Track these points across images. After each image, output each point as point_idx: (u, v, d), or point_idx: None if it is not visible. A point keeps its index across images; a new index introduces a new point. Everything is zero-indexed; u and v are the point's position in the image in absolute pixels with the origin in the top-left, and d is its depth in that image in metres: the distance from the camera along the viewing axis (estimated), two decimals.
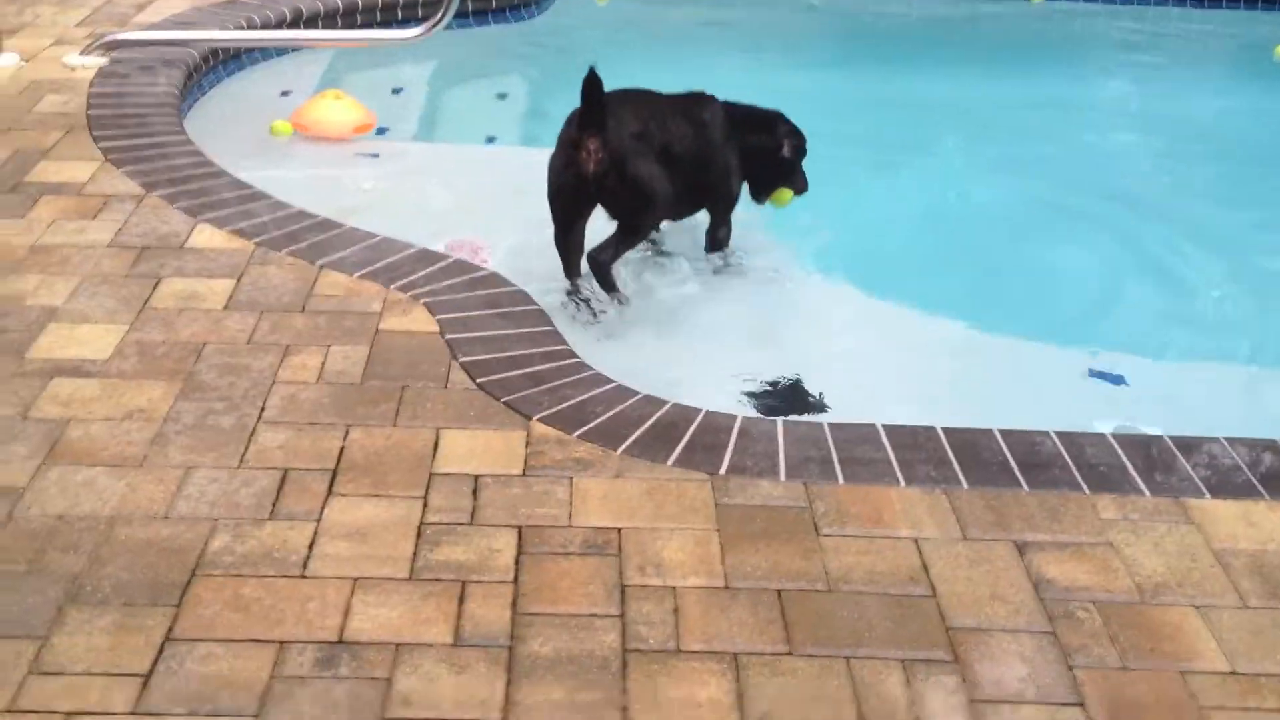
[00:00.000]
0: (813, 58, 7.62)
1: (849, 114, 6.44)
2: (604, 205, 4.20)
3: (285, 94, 6.20)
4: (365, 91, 6.08)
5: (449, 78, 6.84)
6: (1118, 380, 4.07)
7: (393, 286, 3.89)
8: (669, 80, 4.54)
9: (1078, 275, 4.86)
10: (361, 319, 3.69)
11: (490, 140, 5.83)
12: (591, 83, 3.97)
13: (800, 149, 4.57)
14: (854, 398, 3.81)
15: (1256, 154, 6.33)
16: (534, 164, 5.53)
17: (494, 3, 7.36)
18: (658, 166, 4.14)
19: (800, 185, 4.63)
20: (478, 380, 3.41)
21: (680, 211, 4.51)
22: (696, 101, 4.44)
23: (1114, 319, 4.53)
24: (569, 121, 4.13)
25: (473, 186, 5.27)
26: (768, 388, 3.89)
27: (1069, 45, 8.13)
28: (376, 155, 5.53)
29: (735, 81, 6.85)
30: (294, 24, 6.53)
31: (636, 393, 3.41)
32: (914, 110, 6.57)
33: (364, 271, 3.96)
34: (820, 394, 3.87)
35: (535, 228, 4.78)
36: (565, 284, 4.30)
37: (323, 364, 3.44)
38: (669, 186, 4.19)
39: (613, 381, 3.46)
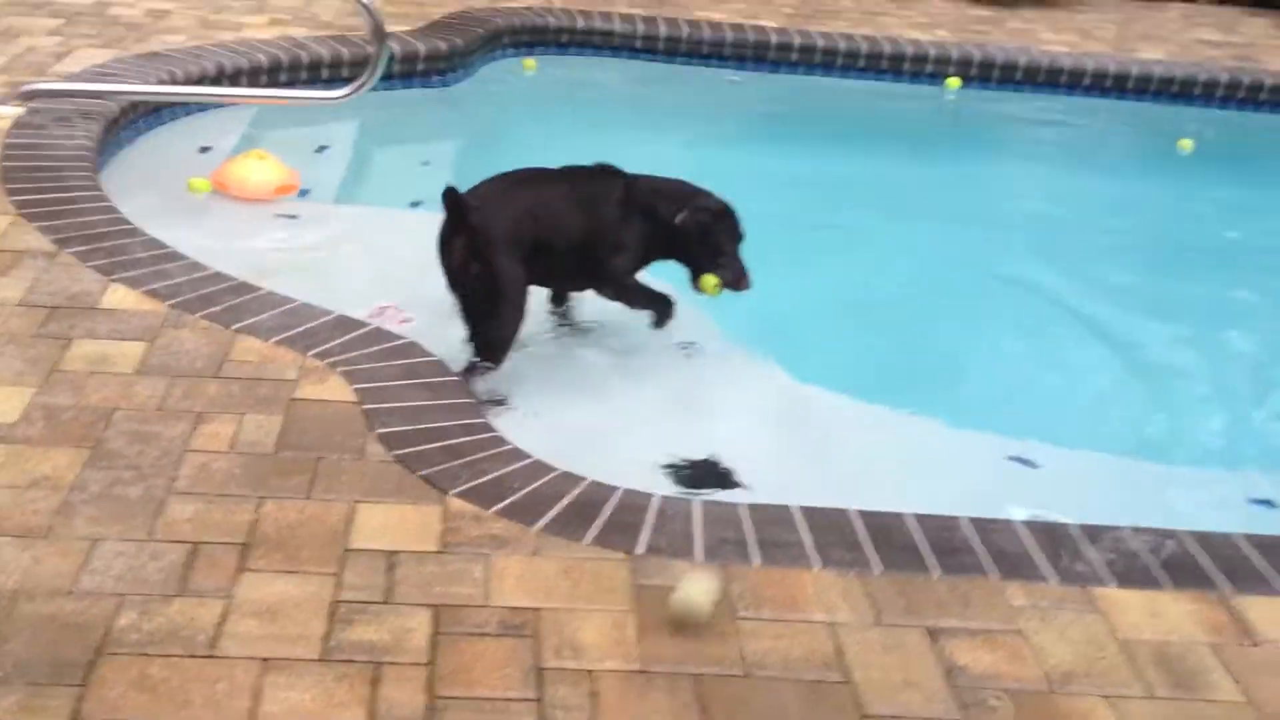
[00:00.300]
0: (733, 133, 7.75)
1: (768, 190, 6.52)
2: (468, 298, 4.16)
3: (205, 150, 6.14)
4: (288, 150, 6.04)
5: (373, 140, 6.82)
6: (1029, 464, 4.15)
7: (309, 354, 3.85)
8: (589, 149, 4.57)
9: (993, 358, 4.95)
10: (276, 387, 3.64)
11: (415, 205, 5.80)
12: (451, 200, 4.04)
13: (702, 224, 4.30)
14: (770, 476, 3.84)
15: (1165, 242, 6.54)
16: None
17: (420, 66, 7.37)
18: (521, 268, 4.11)
19: (729, 274, 4.33)
20: (394, 452, 3.38)
21: (572, 286, 4.53)
22: (592, 176, 4.40)
23: (1028, 403, 4.60)
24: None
25: (394, 252, 5.23)
26: (685, 464, 3.90)
27: (983, 129, 8.36)
28: (296, 217, 5.49)
29: (654, 154, 6.96)
30: (216, 80, 6.48)
31: (554, 469, 3.40)
32: (833, 189, 6.69)
33: (280, 337, 3.92)
34: (737, 472, 3.89)
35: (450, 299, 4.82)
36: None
37: (236, 433, 3.39)
38: (522, 289, 4.17)
39: (530, 456, 3.45)
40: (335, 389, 3.67)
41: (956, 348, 5.01)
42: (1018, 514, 3.75)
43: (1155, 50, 9.58)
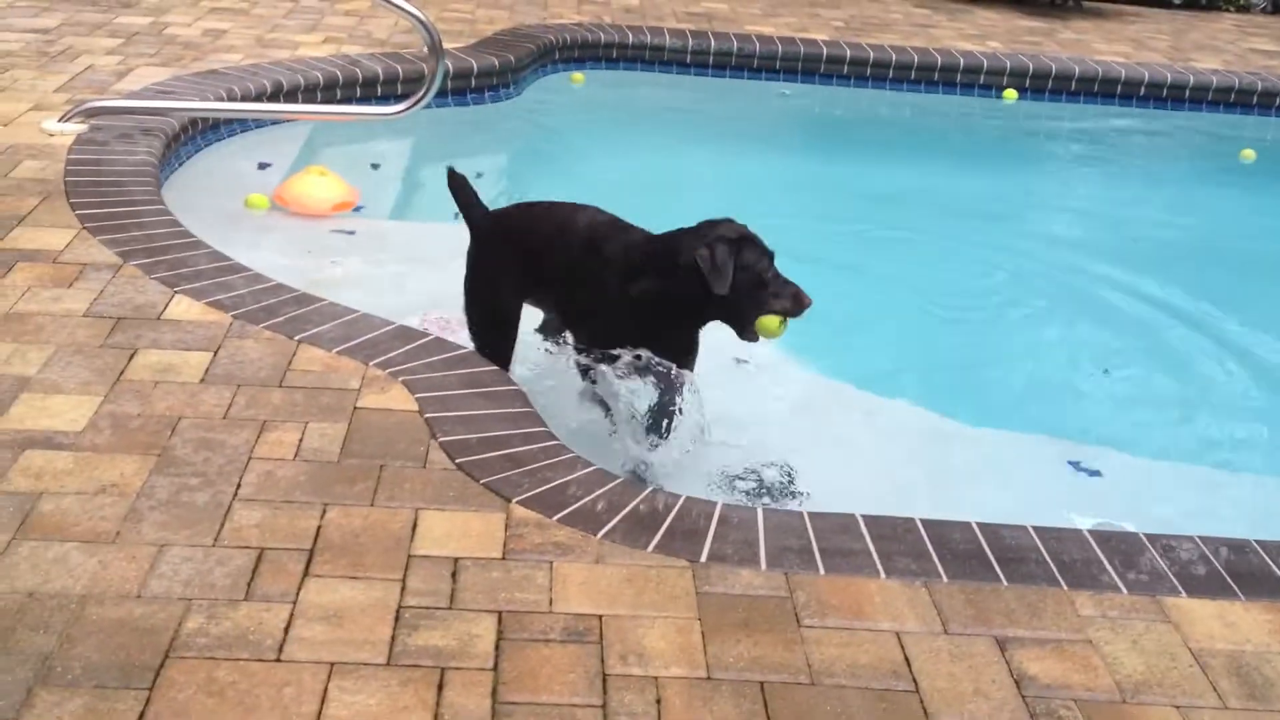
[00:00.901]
0: (786, 144, 7.75)
1: (823, 202, 6.54)
2: None
3: (264, 166, 6.22)
4: (343, 166, 6.11)
5: (427, 155, 6.88)
6: (1094, 474, 4.10)
7: (371, 363, 3.87)
8: (640, 163, 4.59)
9: (1053, 366, 4.91)
10: (339, 396, 3.66)
11: (457, 216, 5.84)
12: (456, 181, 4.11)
13: (712, 258, 3.54)
14: (833, 486, 3.81)
15: (1227, 252, 6.45)
16: None
17: (473, 82, 7.43)
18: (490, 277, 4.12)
19: (784, 301, 3.58)
20: (457, 460, 3.38)
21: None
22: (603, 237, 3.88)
23: (1090, 412, 4.56)
24: None
25: (449, 266, 5.26)
26: (747, 475, 3.89)
27: (1040, 140, 8.31)
28: (353, 233, 5.54)
29: (706, 168, 7.01)
30: (274, 96, 6.56)
31: (616, 477, 3.40)
32: (888, 199, 6.68)
33: (342, 348, 3.94)
34: (799, 481, 3.87)
35: None
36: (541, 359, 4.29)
37: (300, 441, 3.41)
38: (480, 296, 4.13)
39: (592, 465, 3.44)
40: (397, 398, 3.69)
41: (1014, 355, 4.99)
42: (1082, 522, 3.73)
43: (1211, 60, 9.49)
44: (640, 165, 6.99)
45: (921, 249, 5.87)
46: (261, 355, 3.85)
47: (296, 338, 3.98)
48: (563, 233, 3.93)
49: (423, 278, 5.11)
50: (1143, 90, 8.70)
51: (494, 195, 6.47)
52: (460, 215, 4.26)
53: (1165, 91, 8.72)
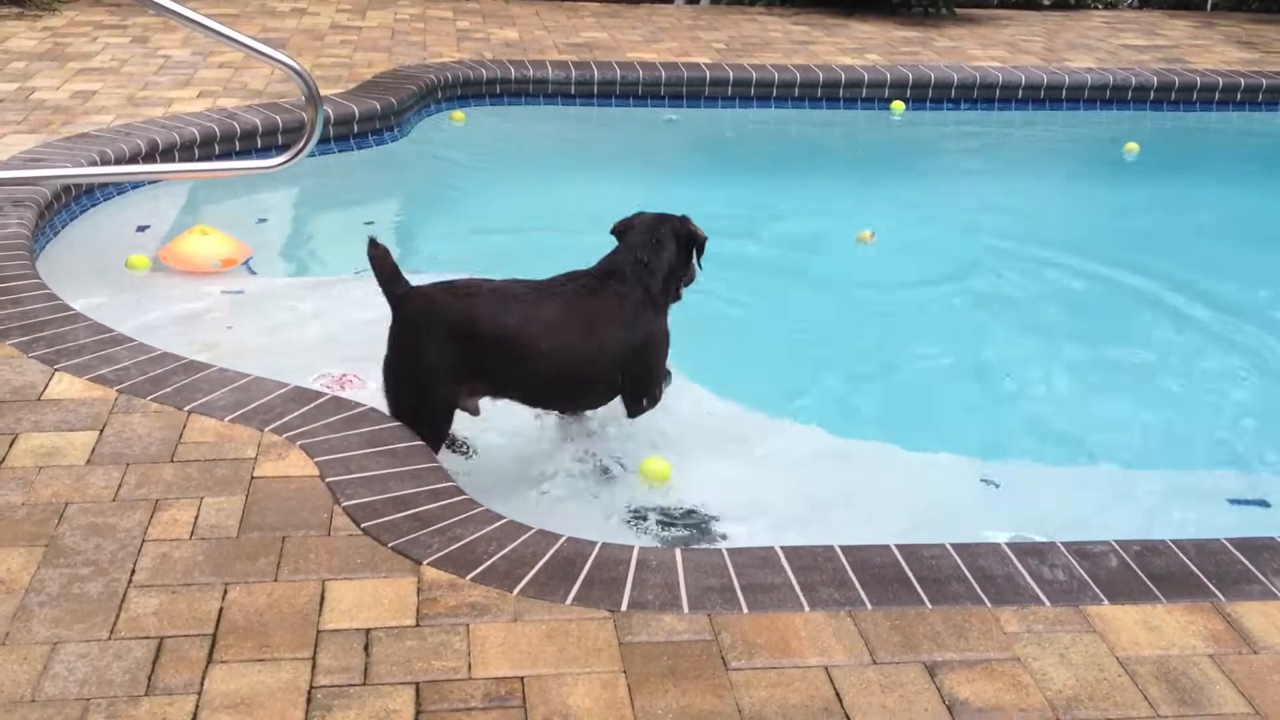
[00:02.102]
0: (673, 169, 7.74)
1: (717, 225, 6.49)
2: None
3: (142, 229, 6.04)
4: (228, 223, 5.96)
5: (313, 206, 6.74)
6: (998, 486, 4.11)
7: (267, 429, 3.74)
8: (531, 199, 4.52)
9: (949, 379, 4.90)
10: (235, 466, 3.53)
11: (358, 272, 5.70)
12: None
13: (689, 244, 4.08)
14: (749, 519, 3.77)
15: (1121, 247, 6.54)
16: None
17: (355, 127, 7.30)
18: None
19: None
20: (362, 525, 3.27)
21: None
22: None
23: (993, 423, 4.56)
24: None
25: (342, 319, 5.15)
26: (662, 515, 3.82)
27: (928, 150, 8.39)
28: (242, 292, 5.38)
29: (597, 199, 6.94)
30: (149, 156, 6.37)
31: (528, 528, 3.31)
32: (779, 218, 6.68)
33: (235, 415, 3.80)
34: (713, 515, 3.81)
35: None
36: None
37: (195, 518, 3.27)
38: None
39: (503, 517, 3.36)
40: (296, 464, 3.56)
41: (916, 371, 4.96)
42: (997, 536, 3.72)
43: (1085, 59, 9.69)
44: (531, 200, 6.93)
45: (816, 267, 5.85)
46: (150, 430, 3.70)
47: (186, 408, 3.83)
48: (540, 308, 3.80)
49: (317, 334, 4.99)
50: (1020, 93, 8.84)
51: (386, 240, 6.37)
52: (382, 289, 3.82)
53: (1043, 93, 8.87)
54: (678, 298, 4.14)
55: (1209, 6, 12.53)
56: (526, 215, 6.63)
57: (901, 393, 4.79)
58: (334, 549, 3.16)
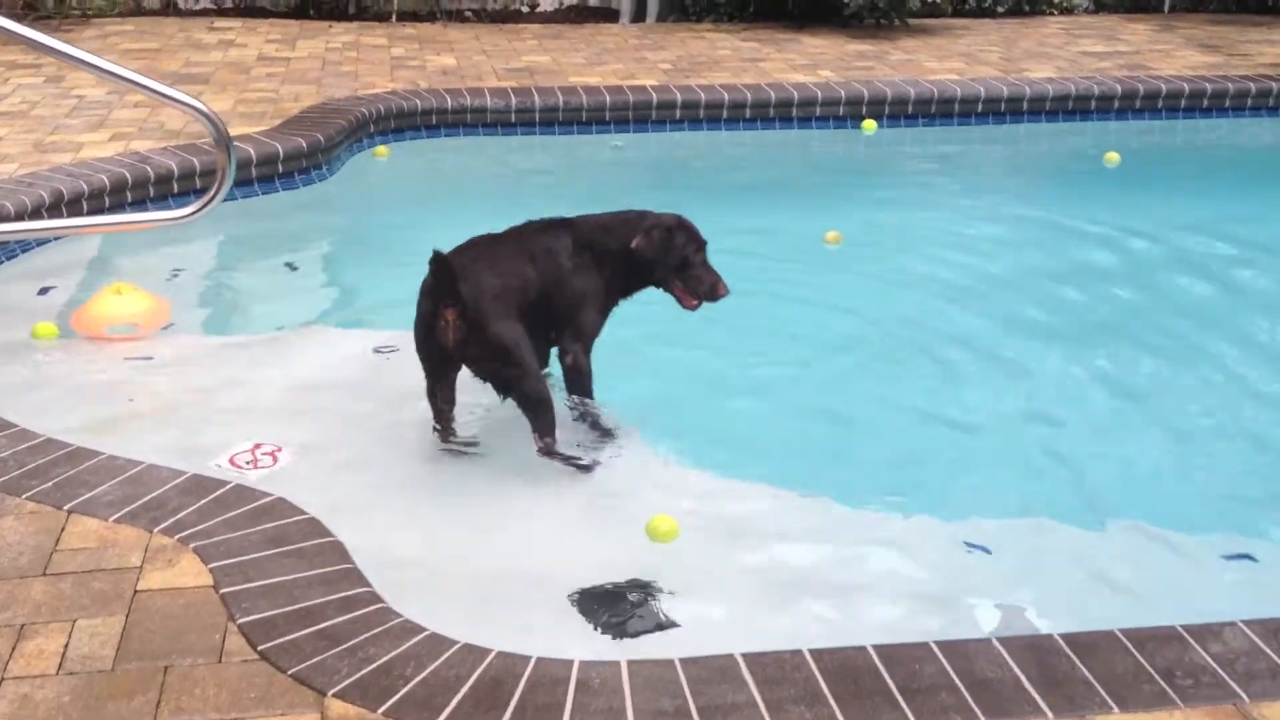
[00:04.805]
0: (621, 200, 7.22)
1: None
2: (475, 373, 3.95)
3: (45, 291, 5.57)
4: (145, 278, 5.51)
5: (234, 255, 6.24)
6: (984, 550, 3.72)
7: (156, 530, 3.30)
8: (472, 232, 4.12)
9: (923, 431, 4.44)
10: (116, 579, 3.09)
11: (279, 328, 5.26)
12: (440, 264, 3.67)
13: (660, 244, 4.05)
14: (703, 599, 3.37)
15: (1089, 268, 6.17)
16: (330, 349, 5.08)
17: (280, 167, 6.85)
18: (519, 325, 3.85)
19: (701, 285, 4.08)
20: (259, 647, 2.84)
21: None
22: (544, 230, 4.11)
23: (973, 481, 4.14)
24: (422, 292, 3.83)
25: (263, 383, 4.71)
26: (605, 604, 3.38)
27: (893, 171, 8.00)
28: (150, 358, 4.91)
29: None
30: (54, 208, 5.91)
31: (453, 641, 2.89)
32: (733, 250, 6.22)
33: (122, 513, 3.37)
34: (666, 602, 3.38)
35: (333, 428, 4.31)
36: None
37: (65, 647, 2.83)
38: (530, 342, 3.90)
39: (424, 629, 2.93)
40: (188, 571, 3.13)
41: (885, 418, 4.51)
42: (989, 615, 3.34)
43: (1044, 68, 9.36)
44: (471, 233, 6.47)
45: (770, 304, 5.42)
46: (22, 536, 3.26)
47: (66, 507, 3.39)
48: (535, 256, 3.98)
49: (233, 402, 4.53)
50: (980, 107, 8.50)
51: (313, 292, 5.93)
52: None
53: (1004, 105, 8.53)
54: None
55: (1166, 8, 12.27)
56: None
57: (870, 444, 4.37)
58: (224, 681, 2.73)
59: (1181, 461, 4.35)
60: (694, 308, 4.12)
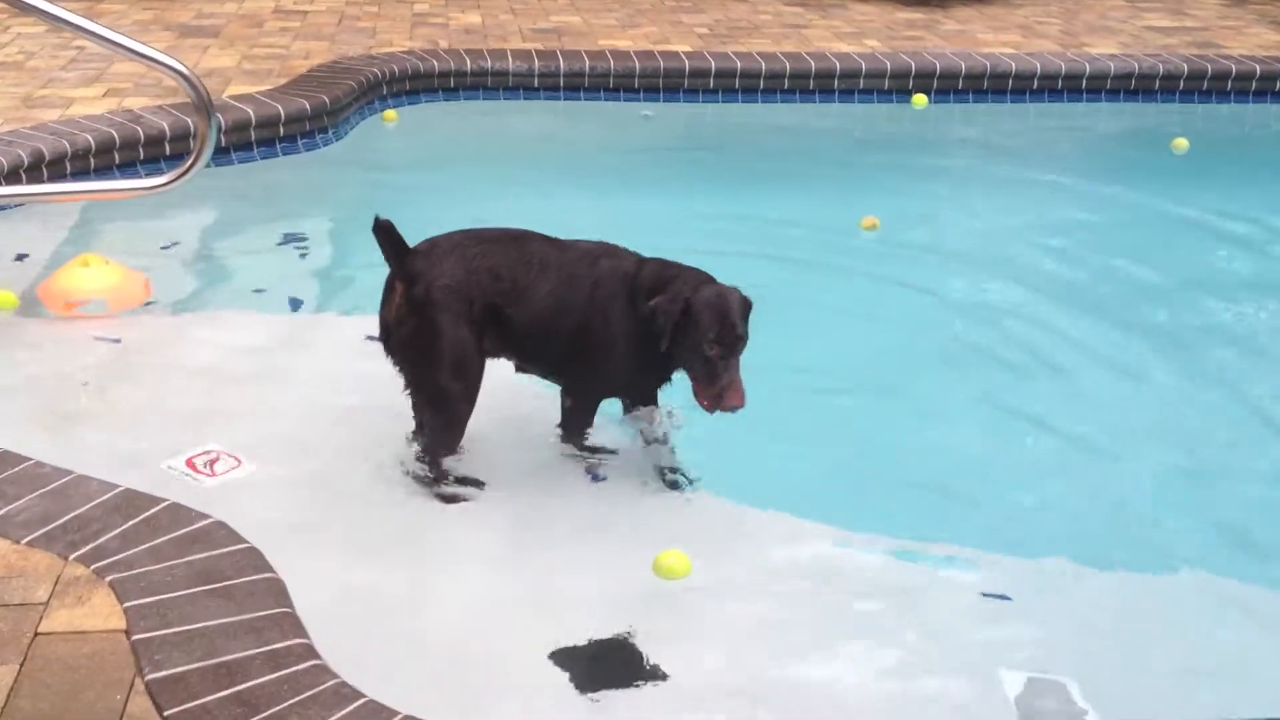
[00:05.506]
0: (650, 174, 6.78)
1: (698, 241, 5.64)
2: (394, 362, 3.52)
3: (21, 257, 5.19)
4: (126, 250, 5.12)
5: (226, 225, 5.80)
6: (1003, 598, 3.27)
7: (73, 556, 2.91)
8: (488, 208, 3.71)
9: (957, 466, 3.92)
10: (17, 618, 2.70)
11: (265, 311, 4.84)
12: (380, 233, 3.38)
13: (685, 315, 3.29)
14: (699, 653, 2.94)
15: (1152, 265, 5.62)
16: (318, 336, 4.66)
17: (281, 129, 6.44)
18: (463, 329, 3.36)
19: (701, 384, 3.35)
20: (165, 712, 2.44)
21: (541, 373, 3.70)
22: (583, 256, 3.48)
23: (991, 515, 3.65)
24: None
25: (235, 377, 4.30)
26: (588, 669, 2.96)
27: (942, 150, 7.41)
28: (118, 340, 4.52)
29: (562, 207, 6.09)
30: (34, 168, 5.58)
31: (392, 712, 2.48)
32: (764, 238, 5.78)
33: (36, 534, 2.98)
34: (659, 660, 2.97)
35: (306, 431, 3.90)
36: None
37: None
38: (467, 355, 3.40)
39: (362, 696, 2.52)
40: (99, 610, 2.73)
41: (919, 450, 3.99)
42: (1012, 674, 2.91)
43: (1107, 43, 8.78)
44: (488, 211, 5.91)
45: (804, 304, 4.93)
46: None
47: None
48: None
49: (199, 396, 4.14)
50: (1036, 83, 7.94)
51: (307, 269, 5.49)
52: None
53: (1061, 83, 7.95)
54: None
55: None
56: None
57: (889, 479, 3.84)
58: None
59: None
60: (707, 408, 3.37)
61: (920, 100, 7.75)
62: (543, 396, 3.83)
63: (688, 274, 3.43)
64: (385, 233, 3.38)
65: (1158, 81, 8.02)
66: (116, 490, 3.17)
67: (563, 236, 3.62)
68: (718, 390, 3.29)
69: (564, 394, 3.68)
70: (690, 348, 3.31)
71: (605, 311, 3.40)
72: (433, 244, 3.47)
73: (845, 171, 6.91)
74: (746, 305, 3.36)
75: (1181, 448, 4.09)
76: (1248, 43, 8.94)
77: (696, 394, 3.38)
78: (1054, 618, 3.20)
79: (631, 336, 3.37)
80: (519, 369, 3.70)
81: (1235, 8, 10.39)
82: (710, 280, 3.43)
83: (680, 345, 3.33)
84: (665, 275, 3.41)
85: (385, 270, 3.50)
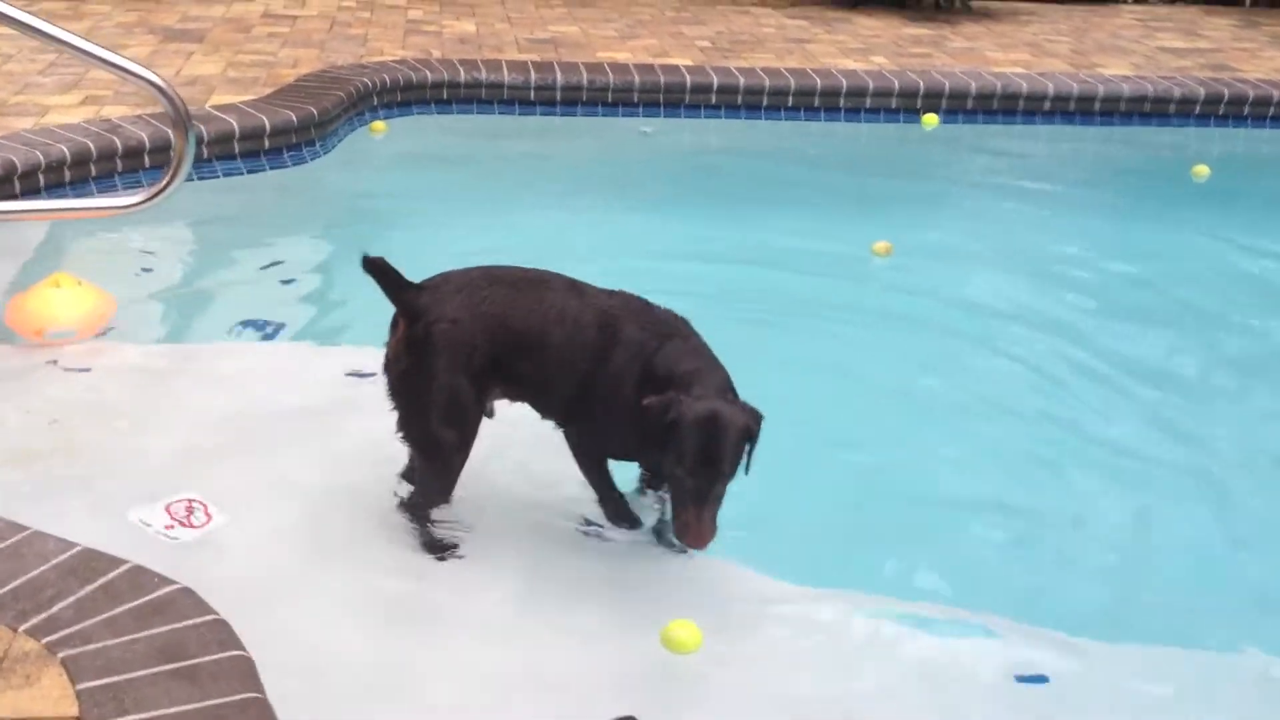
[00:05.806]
0: (648, 194, 6.54)
1: (690, 262, 5.41)
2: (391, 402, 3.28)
3: None
4: (93, 266, 4.84)
5: (206, 243, 5.53)
6: (1040, 680, 3.02)
7: (23, 628, 2.64)
8: (480, 226, 3.42)
9: (974, 526, 3.69)
10: None
11: (243, 339, 4.57)
12: (371, 268, 3.12)
13: (670, 428, 2.91)
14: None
15: (1173, 302, 5.39)
16: (299, 369, 4.39)
17: (266, 142, 6.17)
18: (460, 376, 3.11)
19: (675, 511, 2.98)
20: None
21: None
22: (602, 318, 3.15)
23: (1025, 585, 3.40)
24: None
25: (211, 414, 4.03)
26: None
27: (950, 172, 7.18)
28: (88, 369, 4.25)
29: (557, 227, 5.84)
30: (4, 181, 5.26)
31: None
32: (766, 262, 5.53)
33: None
34: None
35: (285, 476, 3.64)
36: None
37: None
38: (462, 403, 3.14)
39: None
40: (48, 693, 2.46)
41: (935, 508, 3.73)
42: None
43: (1119, 64, 8.56)
44: (480, 229, 5.75)
45: (807, 335, 4.68)
46: None
47: None
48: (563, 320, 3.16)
49: (173, 436, 3.86)
50: (1048, 105, 7.72)
51: (291, 287, 5.21)
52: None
53: (1074, 104, 7.74)
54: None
55: (1248, 2, 11.38)
56: (475, 249, 5.23)
57: (905, 545, 3.58)
58: None
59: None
60: (678, 531, 2.98)
61: (931, 120, 7.51)
62: (544, 437, 3.56)
63: (703, 374, 3.05)
64: (377, 269, 3.12)
65: (1173, 105, 7.81)
66: (74, 550, 2.90)
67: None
68: (684, 524, 2.93)
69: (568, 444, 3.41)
70: (670, 463, 2.94)
71: (612, 385, 3.10)
72: (444, 279, 3.21)
73: (853, 193, 6.67)
74: (745, 433, 2.92)
75: (1218, 504, 3.85)
76: (1263, 66, 8.73)
77: (673, 508, 3.01)
78: (1093, 701, 2.96)
79: (634, 412, 3.02)
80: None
81: (1248, 29, 10.19)
82: (723, 390, 3.04)
83: (663, 455, 2.96)
84: (679, 369, 3.04)
85: (376, 298, 3.24)
